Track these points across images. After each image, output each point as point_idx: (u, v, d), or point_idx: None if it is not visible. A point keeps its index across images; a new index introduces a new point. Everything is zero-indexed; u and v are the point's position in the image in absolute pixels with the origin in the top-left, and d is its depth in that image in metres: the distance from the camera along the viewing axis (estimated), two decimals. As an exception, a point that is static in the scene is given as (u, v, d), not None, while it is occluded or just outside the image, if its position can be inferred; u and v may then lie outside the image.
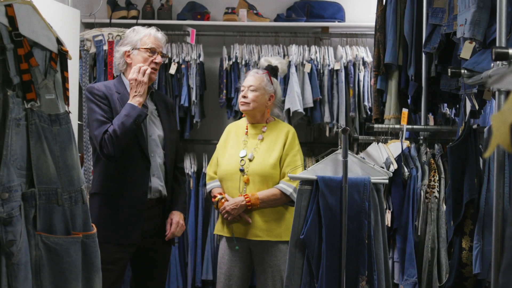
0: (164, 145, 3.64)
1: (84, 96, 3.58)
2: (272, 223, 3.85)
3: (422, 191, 3.76)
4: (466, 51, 3.13)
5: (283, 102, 5.48)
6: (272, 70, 4.10)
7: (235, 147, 3.98)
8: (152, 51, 3.63)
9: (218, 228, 4.00)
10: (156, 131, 3.62)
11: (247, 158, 3.90)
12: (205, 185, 5.75)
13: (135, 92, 3.46)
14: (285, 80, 5.60)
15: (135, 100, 3.45)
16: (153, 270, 3.68)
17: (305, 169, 3.66)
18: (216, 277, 4.04)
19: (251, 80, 3.98)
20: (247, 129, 4.04)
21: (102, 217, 3.47)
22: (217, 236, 4.16)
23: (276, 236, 3.84)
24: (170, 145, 3.68)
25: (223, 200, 3.87)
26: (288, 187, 3.81)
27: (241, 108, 3.98)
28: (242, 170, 3.87)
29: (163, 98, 3.86)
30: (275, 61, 4.17)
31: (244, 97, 3.96)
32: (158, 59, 3.64)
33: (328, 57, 5.73)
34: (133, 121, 3.38)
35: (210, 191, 4.06)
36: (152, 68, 3.60)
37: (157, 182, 3.59)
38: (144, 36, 3.64)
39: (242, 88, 4.01)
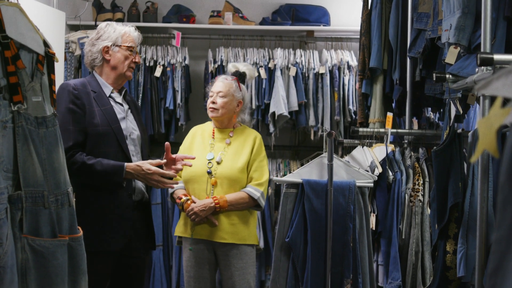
0: (141, 145, 3.55)
1: (58, 93, 3.24)
2: (237, 226, 3.86)
3: (406, 195, 3.78)
4: (450, 56, 3.16)
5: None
6: (240, 76, 4.12)
7: (202, 150, 3.98)
8: (132, 50, 3.53)
9: (180, 230, 3.97)
10: (133, 131, 3.50)
11: (215, 161, 3.91)
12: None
13: (141, 177, 3.33)
14: (270, 84, 5.62)
15: (129, 175, 3.31)
16: (133, 277, 3.53)
17: (290, 172, 3.68)
18: (185, 281, 4.01)
19: (220, 86, 3.99)
20: (213, 133, 4.05)
21: (87, 224, 3.18)
22: (176, 238, 4.11)
23: (240, 239, 3.84)
24: (145, 145, 3.61)
25: (189, 202, 3.86)
26: (256, 191, 3.83)
27: (210, 114, 3.98)
28: (209, 173, 3.88)
29: (132, 99, 3.75)
30: (243, 67, 4.18)
31: (213, 102, 3.96)
32: (137, 59, 3.56)
33: (313, 60, 5.75)
34: (105, 183, 3.30)
35: (173, 192, 4.03)
36: (130, 67, 3.52)
37: (140, 183, 3.47)
38: (125, 33, 3.52)
39: (210, 94, 4.00)
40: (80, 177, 3.27)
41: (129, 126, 3.50)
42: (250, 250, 3.81)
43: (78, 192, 3.32)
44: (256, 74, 5.58)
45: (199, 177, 3.89)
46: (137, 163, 3.32)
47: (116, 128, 3.38)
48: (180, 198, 3.89)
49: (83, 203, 3.32)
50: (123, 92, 3.59)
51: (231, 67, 4.20)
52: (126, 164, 3.29)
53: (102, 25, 3.58)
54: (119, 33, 3.51)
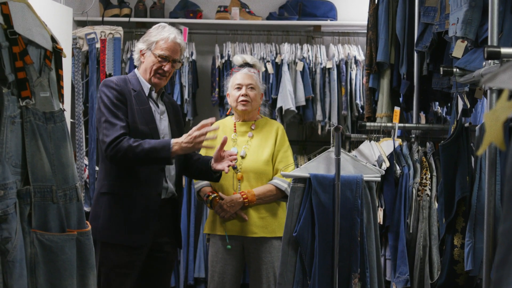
0: None
1: (100, 90, 3.43)
2: (267, 219, 3.86)
3: (414, 189, 3.77)
4: (458, 50, 3.15)
5: (275, 100, 5.50)
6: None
7: (225, 146, 3.98)
8: (164, 58, 3.49)
9: (209, 227, 3.98)
10: (167, 132, 3.55)
11: (239, 155, 3.90)
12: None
13: (185, 144, 3.28)
14: (278, 79, 5.62)
15: (177, 146, 3.28)
16: (159, 271, 3.58)
17: (297, 166, 3.67)
18: (208, 276, 4.03)
19: (248, 78, 3.94)
20: (235, 127, 4.03)
21: (114, 218, 3.37)
22: (206, 235, 4.13)
23: (271, 232, 3.85)
24: None
25: (217, 199, 3.85)
26: (282, 182, 3.83)
27: (242, 107, 3.93)
28: (235, 168, 3.87)
29: (171, 100, 3.77)
30: (251, 59, 4.14)
31: (245, 95, 3.92)
32: (167, 67, 3.49)
33: (320, 55, 5.75)
34: (153, 160, 3.32)
35: (200, 190, 4.03)
36: (157, 74, 3.50)
37: (170, 183, 3.52)
38: (162, 39, 3.49)
39: (237, 86, 3.94)
40: (127, 161, 3.31)
41: (163, 127, 3.55)
42: (279, 243, 3.81)
43: (110, 187, 3.41)
44: (263, 69, 5.57)
45: (224, 173, 3.89)
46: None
47: (152, 128, 3.45)
48: (208, 196, 3.89)
49: (113, 198, 3.41)
50: (161, 93, 3.62)
51: (239, 58, 4.14)
52: (172, 139, 3.30)
53: (155, 25, 3.62)
54: (156, 38, 3.52)
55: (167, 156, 3.27)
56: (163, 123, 3.55)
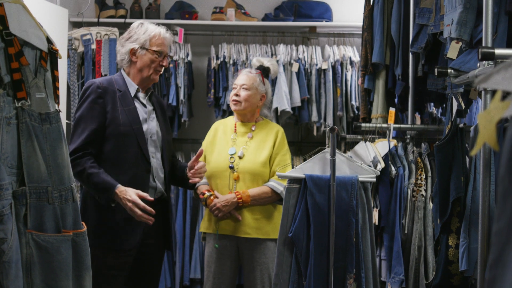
0: (162, 146, 3.56)
1: (82, 91, 3.45)
2: (261, 221, 3.86)
3: (409, 190, 3.78)
4: (452, 51, 3.16)
5: (271, 102, 5.50)
6: (264, 71, 4.11)
7: (224, 145, 3.98)
8: (161, 53, 3.54)
9: (205, 226, 3.99)
10: (154, 132, 3.53)
11: (237, 156, 3.91)
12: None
13: (122, 200, 3.28)
14: (273, 80, 5.63)
15: (118, 197, 3.28)
16: (148, 272, 3.57)
17: (292, 167, 3.68)
18: (204, 276, 4.04)
19: (244, 79, 3.99)
20: (235, 127, 4.04)
21: (101, 220, 3.36)
22: (201, 234, 4.14)
23: (265, 234, 3.85)
24: (167, 146, 3.61)
25: (212, 197, 3.86)
26: (278, 185, 3.83)
27: (233, 107, 3.99)
28: (231, 167, 3.88)
29: (159, 99, 3.76)
30: (267, 62, 4.18)
31: (237, 95, 3.96)
32: (165, 62, 3.56)
33: (316, 56, 5.76)
34: (96, 194, 3.35)
35: (197, 188, 4.04)
36: (156, 71, 3.55)
37: (159, 183, 3.51)
38: (154, 36, 3.53)
39: (234, 86, 4.01)
40: (78, 180, 3.33)
41: (151, 127, 3.54)
42: (273, 245, 3.82)
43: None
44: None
45: (221, 172, 3.89)
46: (128, 188, 3.30)
47: (137, 129, 3.43)
48: (203, 194, 3.90)
49: (99, 204, 3.39)
50: (149, 93, 3.63)
51: (255, 61, 4.21)
52: (118, 185, 3.29)
53: (134, 25, 3.61)
54: (148, 35, 3.53)
55: (110, 198, 3.31)
56: (151, 123, 3.54)
